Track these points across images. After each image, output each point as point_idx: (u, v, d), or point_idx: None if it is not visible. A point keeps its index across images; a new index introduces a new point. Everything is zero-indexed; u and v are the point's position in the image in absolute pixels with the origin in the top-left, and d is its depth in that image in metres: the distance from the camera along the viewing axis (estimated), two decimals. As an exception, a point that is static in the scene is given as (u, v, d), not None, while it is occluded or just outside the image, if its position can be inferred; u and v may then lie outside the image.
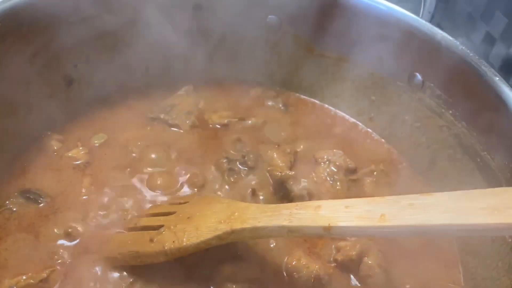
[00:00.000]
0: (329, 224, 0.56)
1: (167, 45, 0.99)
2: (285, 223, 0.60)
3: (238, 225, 0.63)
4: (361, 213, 0.56)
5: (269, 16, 0.99)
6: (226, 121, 0.95)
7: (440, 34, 0.80)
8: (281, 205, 0.65)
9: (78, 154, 0.83)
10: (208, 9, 0.97)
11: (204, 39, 1.01)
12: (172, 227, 0.67)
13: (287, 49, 1.02)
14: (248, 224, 0.63)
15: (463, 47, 0.76)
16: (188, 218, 0.68)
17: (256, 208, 0.65)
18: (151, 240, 0.66)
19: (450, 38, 0.79)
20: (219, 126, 0.95)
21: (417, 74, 0.87)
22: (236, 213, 0.65)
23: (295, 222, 0.59)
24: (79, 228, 0.73)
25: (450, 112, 0.82)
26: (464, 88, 0.78)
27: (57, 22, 0.83)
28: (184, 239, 0.65)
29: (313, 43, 0.99)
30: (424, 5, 1.03)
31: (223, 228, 0.64)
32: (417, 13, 0.88)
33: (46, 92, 0.86)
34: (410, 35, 0.84)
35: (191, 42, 1.00)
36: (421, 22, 0.84)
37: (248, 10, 0.98)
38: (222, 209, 0.68)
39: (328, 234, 0.57)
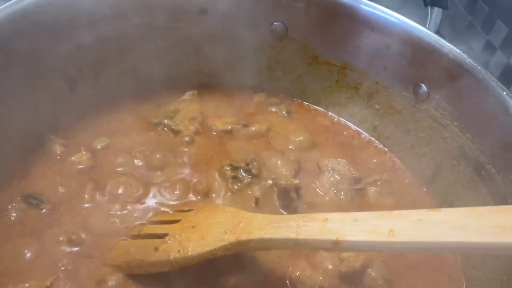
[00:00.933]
0: (337, 238, 0.56)
1: (171, 50, 0.98)
2: (293, 235, 0.59)
3: (244, 236, 0.63)
4: (370, 227, 0.55)
5: (275, 23, 0.99)
6: (229, 127, 0.95)
7: (448, 46, 0.80)
8: (287, 216, 0.65)
9: (81, 158, 0.82)
10: (214, 13, 0.96)
11: (208, 43, 1.01)
12: (177, 236, 0.67)
13: (291, 55, 1.02)
14: (254, 236, 0.62)
15: (471, 60, 0.76)
16: (193, 227, 0.68)
17: (262, 219, 0.65)
18: (156, 249, 0.66)
19: (458, 50, 0.79)
20: (222, 133, 0.94)
21: (423, 85, 0.87)
22: (241, 223, 0.65)
23: (302, 235, 0.59)
24: (82, 235, 0.72)
25: (455, 124, 0.82)
26: (471, 101, 0.78)
27: (63, 26, 0.82)
28: (190, 249, 0.64)
29: (318, 51, 0.99)
30: (430, 16, 1.03)
31: (229, 238, 0.63)
32: (423, 24, 0.87)
33: (50, 96, 0.85)
34: (416, 45, 0.85)
35: (195, 47, 1.00)
36: (428, 33, 0.84)
37: (254, 16, 0.98)
38: (228, 218, 0.67)
39: (336, 248, 0.56)
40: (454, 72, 0.80)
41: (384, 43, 0.89)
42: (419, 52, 0.85)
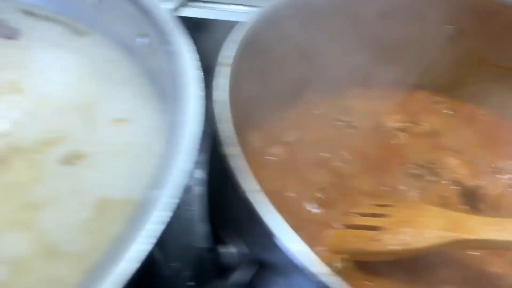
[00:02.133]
0: None
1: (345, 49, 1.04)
2: (517, 239, 0.65)
3: (463, 236, 0.68)
4: None
5: (445, 25, 1.01)
6: (401, 125, 1.00)
7: None
8: (501, 219, 0.70)
9: (278, 151, 0.90)
10: (391, 18, 1.00)
11: (375, 43, 1.05)
12: (391, 229, 0.73)
13: (457, 56, 1.05)
14: (474, 235, 0.68)
15: None
16: (405, 222, 0.74)
17: (477, 220, 0.71)
18: (372, 240, 0.73)
19: None
20: (395, 130, 0.99)
21: None
22: (455, 223, 0.71)
23: (530, 240, 0.64)
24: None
25: None
26: None
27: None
28: (409, 242, 0.71)
29: (488, 54, 1.01)
30: None
31: (449, 236, 0.69)
32: None
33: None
34: None
35: (362, 46, 1.05)
36: None
37: (423, 16, 1.01)
38: (437, 217, 0.73)
39: None
40: None
41: None
42: None
